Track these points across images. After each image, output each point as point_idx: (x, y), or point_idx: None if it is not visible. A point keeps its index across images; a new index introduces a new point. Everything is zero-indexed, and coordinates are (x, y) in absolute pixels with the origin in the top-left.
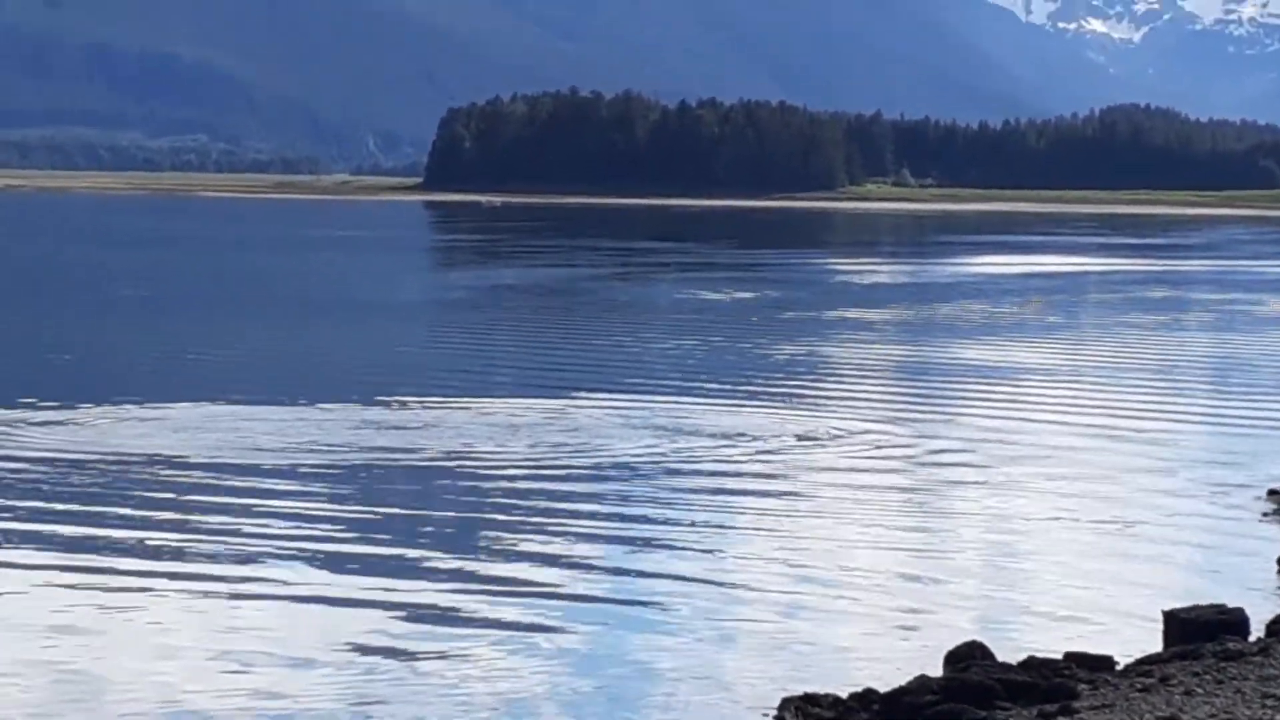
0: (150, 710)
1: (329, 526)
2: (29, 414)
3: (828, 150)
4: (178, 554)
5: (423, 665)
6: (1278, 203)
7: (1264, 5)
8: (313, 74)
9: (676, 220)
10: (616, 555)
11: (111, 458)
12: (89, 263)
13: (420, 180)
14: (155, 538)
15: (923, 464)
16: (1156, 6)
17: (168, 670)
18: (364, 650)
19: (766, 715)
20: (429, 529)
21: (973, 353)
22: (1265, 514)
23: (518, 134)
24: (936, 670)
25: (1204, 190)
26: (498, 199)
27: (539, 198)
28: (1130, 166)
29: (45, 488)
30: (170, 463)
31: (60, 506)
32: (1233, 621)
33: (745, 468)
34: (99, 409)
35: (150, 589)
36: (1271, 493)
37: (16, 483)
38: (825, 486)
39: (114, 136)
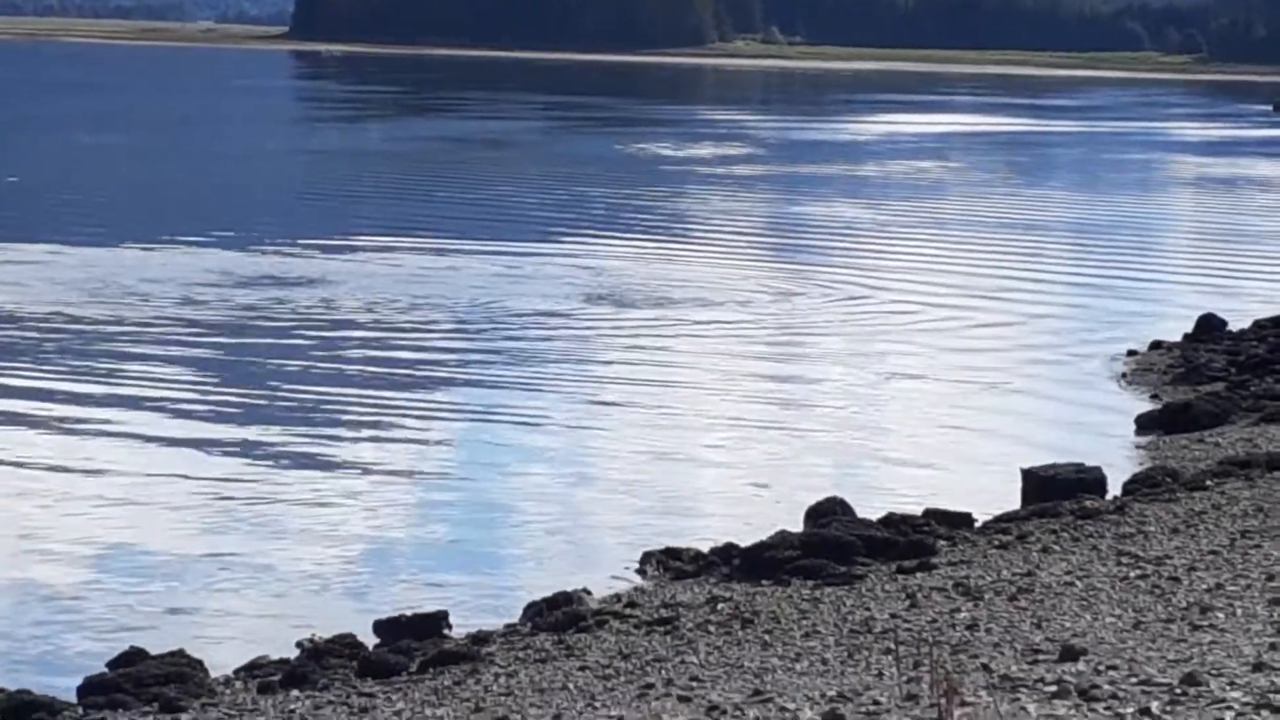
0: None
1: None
2: None
3: (696, 5)
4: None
5: (278, 511)
6: (1139, 64)
7: None
8: None
9: (546, 74)
10: (474, 408)
11: None
12: None
13: (286, 29)
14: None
15: (783, 322)
16: None
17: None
18: (219, 496)
19: (628, 568)
20: (294, 379)
21: (840, 210)
22: (1124, 374)
23: None
24: (798, 526)
25: (1071, 52)
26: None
27: (401, 49)
28: (999, 28)
29: None
30: (21, 309)
31: None
32: (1090, 480)
33: (602, 327)
34: None
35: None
36: (1130, 353)
37: None
38: (683, 346)
39: None
